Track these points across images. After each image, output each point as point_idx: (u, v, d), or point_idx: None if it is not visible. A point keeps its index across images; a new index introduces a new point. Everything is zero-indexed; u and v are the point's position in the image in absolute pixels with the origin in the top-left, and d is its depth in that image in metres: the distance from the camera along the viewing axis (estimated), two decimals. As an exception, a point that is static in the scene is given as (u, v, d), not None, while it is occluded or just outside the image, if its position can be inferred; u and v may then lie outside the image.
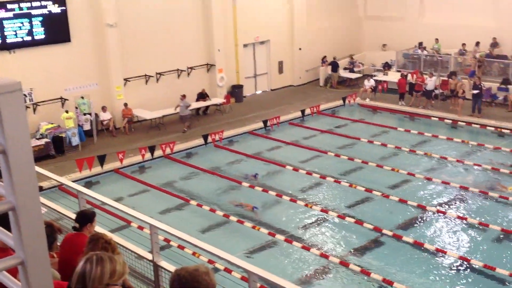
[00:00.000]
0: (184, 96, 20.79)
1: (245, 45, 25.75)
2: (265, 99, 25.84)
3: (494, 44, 25.04)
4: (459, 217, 13.51)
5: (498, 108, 22.08)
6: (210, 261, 10.62)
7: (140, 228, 11.73)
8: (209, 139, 19.30)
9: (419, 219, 13.65)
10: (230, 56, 24.90)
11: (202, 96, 23.08)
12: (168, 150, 18.27)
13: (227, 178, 16.55)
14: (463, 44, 25.13)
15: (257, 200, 14.96)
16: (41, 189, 13.59)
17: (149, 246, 6.65)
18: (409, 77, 23.65)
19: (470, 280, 11.03)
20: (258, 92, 26.92)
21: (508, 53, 24.59)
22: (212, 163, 17.96)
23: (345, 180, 15.98)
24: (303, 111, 22.27)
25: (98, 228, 6.37)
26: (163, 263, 6.51)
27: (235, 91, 25.00)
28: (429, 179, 15.87)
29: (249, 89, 26.35)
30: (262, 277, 5.39)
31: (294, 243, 12.47)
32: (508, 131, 19.53)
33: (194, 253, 11.07)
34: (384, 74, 26.18)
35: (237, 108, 24.01)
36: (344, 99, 23.79)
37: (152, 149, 17.90)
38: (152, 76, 22.26)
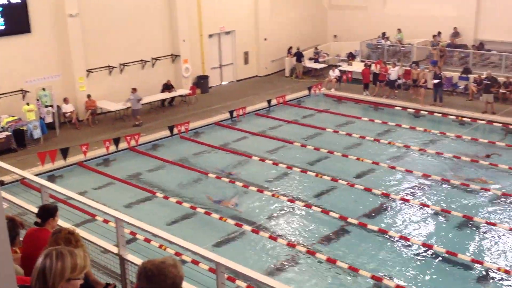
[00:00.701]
0: (135, 90, 20.26)
1: (210, 36, 25.60)
2: (231, 89, 25.77)
3: (455, 34, 25.55)
4: (422, 205, 13.79)
5: (459, 97, 22.57)
6: (177, 254, 10.57)
7: (106, 221, 11.58)
8: (175, 130, 19.17)
9: (384, 207, 13.89)
10: (195, 46, 24.73)
11: (167, 87, 22.87)
12: (133, 142, 18.06)
13: (193, 169, 16.48)
14: (435, 36, 25.50)
15: (224, 191, 14.96)
16: (2, 183, 13.28)
17: (115, 240, 6.58)
18: (373, 67, 23.94)
19: (433, 266, 11.29)
20: (224, 82, 26.83)
21: (469, 42, 25.14)
22: (178, 154, 17.85)
23: (311, 170, 16.11)
24: (269, 102, 22.32)
25: (62, 223, 6.27)
26: (130, 257, 6.45)
27: (201, 82, 24.85)
28: (393, 167, 16.14)
29: (215, 79, 26.24)
30: (230, 267, 5.40)
31: (261, 233, 12.53)
32: (468, 119, 20.00)
33: (161, 246, 11.02)
34: (348, 65, 26.45)
35: (203, 99, 23.89)
36: (309, 89, 23.95)
37: (116, 141, 17.67)
38: (116, 67, 21.93)
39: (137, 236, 11.41)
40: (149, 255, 8.56)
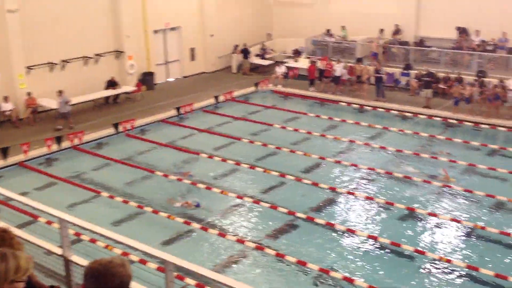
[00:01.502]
0: (61, 92, 19.17)
1: (155, 32, 25.26)
2: (177, 86, 25.54)
3: (397, 31, 26.25)
4: (367, 198, 14.11)
5: (401, 92, 23.22)
6: (124, 253, 10.40)
7: (49, 222, 11.25)
8: (120, 128, 18.82)
9: (331, 201, 14.12)
10: (140, 42, 24.36)
11: (111, 84, 22.43)
12: (76, 141, 17.62)
13: (140, 167, 16.24)
14: (381, 30, 26.06)
15: (172, 189, 14.83)
16: None
17: (59, 241, 6.40)
18: (319, 63, 24.27)
19: (378, 257, 11.57)
20: (170, 79, 26.56)
21: (410, 39, 25.88)
22: (124, 153, 17.54)
23: (259, 166, 16.18)
24: (216, 98, 22.26)
25: (3, 224, 6.04)
26: (74, 258, 6.30)
27: (146, 79, 24.50)
28: (339, 162, 16.44)
29: (161, 76, 25.93)
30: (179, 265, 5.35)
31: (210, 230, 12.48)
32: (410, 114, 20.60)
33: (107, 246, 10.80)
34: (294, 61, 26.71)
35: (149, 96, 23.56)
36: (256, 85, 24.04)
37: (59, 140, 17.18)
38: (57, 64, 21.29)
39: (82, 236, 11.13)
40: (95, 256, 8.40)
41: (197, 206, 13.73)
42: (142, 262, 10.21)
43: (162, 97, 23.35)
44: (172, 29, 26.11)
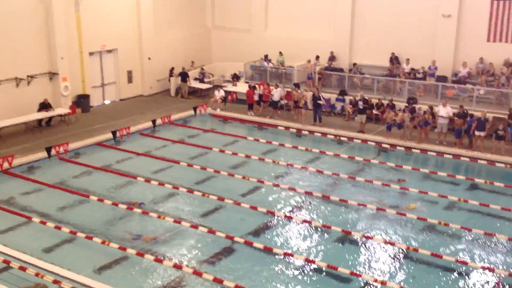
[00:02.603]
0: None
1: (91, 53, 24.81)
2: (114, 109, 25.09)
3: (332, 58, 27.00)
4: (304, 221, 14.26)
5: (337, 117, 23.80)
6: (55, 281, 9.98)
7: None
8: (53, 151, 18.23)
9: (269, 225, 14.16)
10: (75, 64, 23.85)
11: (44, 106, 21.74)
12: (6, 165, 16.91)
13: (74, 192, 15.73)
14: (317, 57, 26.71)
15: (106, 214, 14.44)
16: None
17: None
18: (257, 88, 24.53)
19: (316, 280, 11.66)
20: (107, 102, 26.07)
21: (344, 66, 26.66)
22: (57, 177, 16.98)
23: (198, 190, 16.04)
24: (154, 121, 22.01)
25: None
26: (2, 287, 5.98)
27: (81, 101, 23.94)
28: (277, 185, 16.57)
29: (97, 98, 25.42)
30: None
31: (146, 256, 12.20)
32: (345, 138, 21.11)
33: (37, 274, 10.32)
34: (233, 85, 26.89)
35: (84, 118, 23.00)
36: (195, 109, 23.98)
37: (-13, 164, 16.42)
38: (-13, 85, 20.49)
39: (11, 264, 10.60)
40: (24, 284, 8.01)
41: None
42: (75, 290, 9.84)
43: (98, 120, 22.85)
44: (109, 51, 25.72)
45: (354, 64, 25.94)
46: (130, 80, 26.82)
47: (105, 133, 20.70)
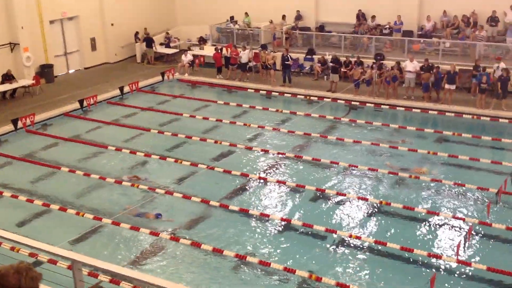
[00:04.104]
0: None
1: (51, 22, 24.07)
2: (79, 78, 24.56)
3: (298, 17, 26.77)
4: (278, 182, 14.36)
5: (306, 77, 23.78)
6: (31, 254, 9.91)
7: None
8: (20, 124, 17.83)
9: (244, 187, 14.23)
10: (36, 33, 23.11)
11: (7, 77, 21.16)
12: (-29, 140, 16.48)
13: (43, 164, 15.49)
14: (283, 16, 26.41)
15: (80, 185, 14.30)
16: None
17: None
18: (224, 51, 24.25)
19: (292, 238, 11.84)
20: (71, 71, 25.48)
21: (311, 25, 26.49)
22: (25, 149, 16.67)
23: (170, 156, 15.96)
24: (121, 89, 21.65)
25: None
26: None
27: (45, 71, 23.33)
28: (249, 148, 16.59)
29: (61, 68, 24.80)
30: (87, 263, 5.21)
31: (122, 225, 12.17)
32: (315, 98, 21.16)
33: (12, 248, 10.24)
34: (200, 49, 26.52)
35: (49, 89, 22.48)
36: (162, 75, 23.64)
37: (-49, 140, 15.99)
38: None
39: (-15, 241, 10.47)
40: (1, 260, 7.91)
41: (158, 216, 12.73)
42: (52, 262, 9.79)
43: (63, 90, 22.36)
44: (70, 18, 24.99)
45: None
46: (94, 47, 26.18)
47: (71, 103, 20.32)
